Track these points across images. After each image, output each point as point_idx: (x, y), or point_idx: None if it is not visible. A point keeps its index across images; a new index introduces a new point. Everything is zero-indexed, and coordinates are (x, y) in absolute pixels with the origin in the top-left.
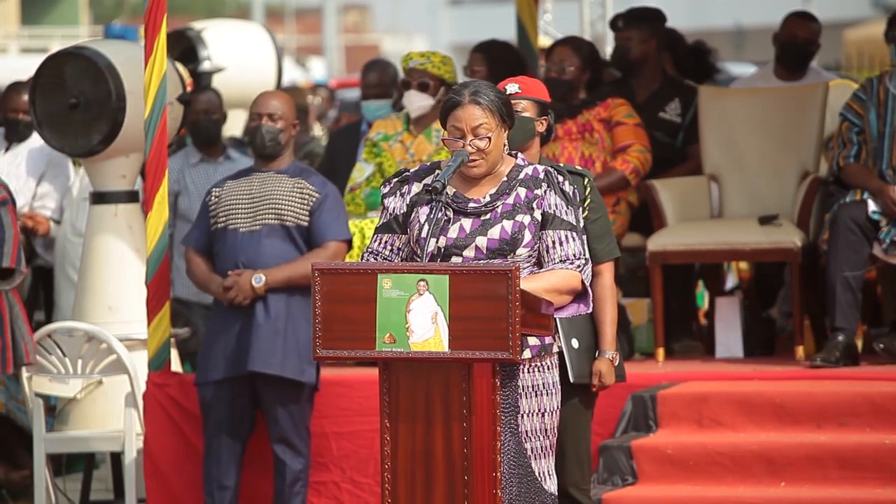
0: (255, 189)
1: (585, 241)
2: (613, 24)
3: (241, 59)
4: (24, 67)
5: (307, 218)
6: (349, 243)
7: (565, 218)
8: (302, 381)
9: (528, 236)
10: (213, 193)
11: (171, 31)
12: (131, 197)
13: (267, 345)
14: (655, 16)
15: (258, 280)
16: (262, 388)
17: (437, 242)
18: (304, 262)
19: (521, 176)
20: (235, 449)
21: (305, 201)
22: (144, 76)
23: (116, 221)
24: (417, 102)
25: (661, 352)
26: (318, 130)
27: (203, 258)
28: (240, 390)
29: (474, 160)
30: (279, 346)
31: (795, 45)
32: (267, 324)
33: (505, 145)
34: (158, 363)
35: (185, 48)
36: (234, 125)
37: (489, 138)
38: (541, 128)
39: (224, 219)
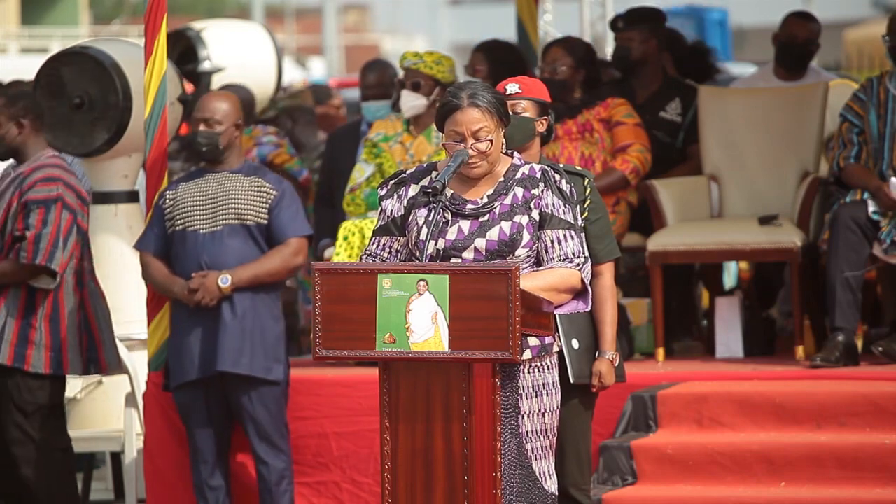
0: (211, 190)
1: (584, 240)
2: (613, 25)
3: (241, 59)
4: (24, 67)
5: (266, 216)
6: (310, 239)
7: (563, 217)
8: (271, 378)
9: (526, 237)
10: (167, 196)
11: (171, 31)
12: (131, 197)
13: (235, 344)
14: (655, 16)
15: (224, 280)
16: (233, 387)
17: (435, 245)
18: (267, 260)
19: (518, 175)
20: (221, 448)
21: (264, 199)
22: (144, 76)
23: (116, 221)
24: (409, 102)
25: (661, 352)
26: None
27: (161, 261)
28: (214, 390)
29: (475, 162)
30: (247, 345)
31: (795, 46)
32: (234, 323)
33: (502, 144)
34: (158, 363)
35: (184, 48)
36: None
37: (490, 141)
38: (541, 128)
39: (182, 221)
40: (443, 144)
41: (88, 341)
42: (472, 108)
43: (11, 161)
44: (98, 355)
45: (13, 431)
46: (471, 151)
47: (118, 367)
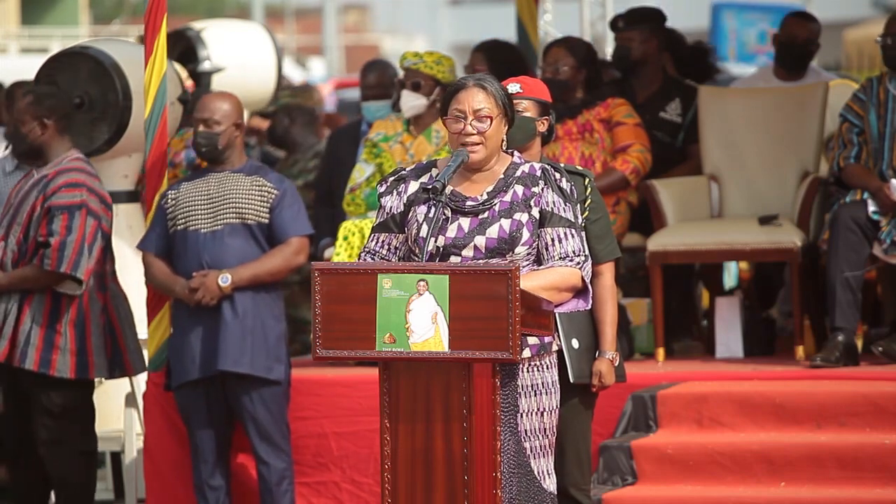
0: (212, 189)
1: (584, 238)
2: (614, 25)
3: (241, 59)
4: (24, 67)
5: (267, 215)
6: (311, 238)
7: (563, 215)
8: (272, 378)
9: (526, 235)
10: (169, 196)
11: (171, 31)
12: (131, 197)
13: (236, 344)
14: (656, 16)
15: (224, 280)
16: (234, 387)
17: (435, 242)
18: (268, 260)
19: (518, 173)
20: (221, 448)
21: (265, 199)
22: (144, 76)
23: (116, 221)
24: (409, 102)
25: (661, 352)
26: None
27: (162, 261)
28: (214, 390)
29: (473, 144)
30: (248, 344)
31: (795, 46)
32: (235, 323)
33: (503, 140)
34: (159, 363)
35: (184, 48)
36: None
37: (490, 118)
38: (542, 128)
39: (183, 221)
40: (443, 121)
41: (112, 344)
42: (478, 89)
43: (7, 152)
44: (123, 358)
45: (41, 432)
46: (469, 129)
47: (143, 368)
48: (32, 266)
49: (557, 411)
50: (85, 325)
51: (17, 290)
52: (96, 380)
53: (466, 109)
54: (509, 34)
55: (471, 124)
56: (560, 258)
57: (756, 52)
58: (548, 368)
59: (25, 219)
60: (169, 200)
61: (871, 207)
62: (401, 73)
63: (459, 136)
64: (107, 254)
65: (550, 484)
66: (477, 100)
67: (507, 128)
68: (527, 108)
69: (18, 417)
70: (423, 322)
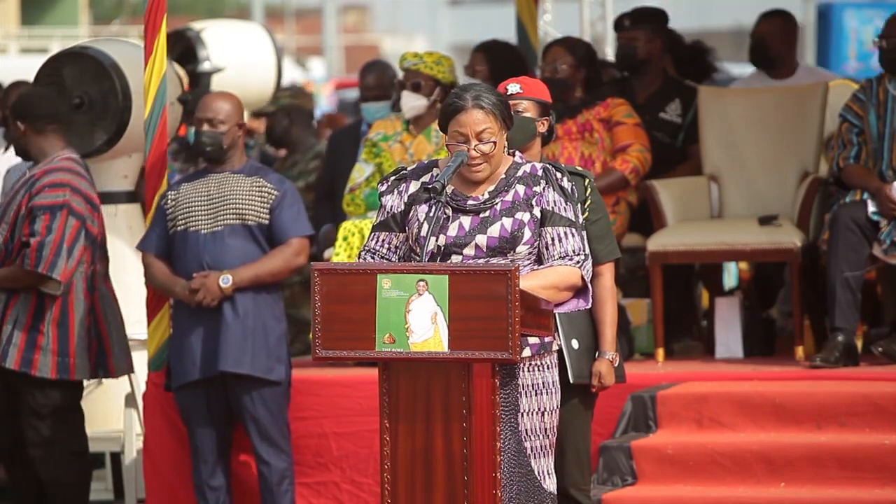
0: (212, 190)
1: (585, 237)
2: (619, 24)
3: (241, 59)
4: (24, 67)
5: (268, 216)
6: (311, 239)
7: (564, 214)
8: (272, 379)
9: (527, 234)
10: (169, 196)
11: (171, 31)
12: (131, 197)
13: (237, 344)
14: (660, 16)
15: (225, 280)
16: (234, 387)
17: (436, 241)
18: (269, 261)
19: (519, 173)
20: (221, 448)
21: (265, 200)
22: (144, 76)
23: (116, 221)
24: (410, 103)
25: (660, 352)
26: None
27: (162, 262)
28: (215, 390)
29: (478, 164)
30: (249, 345)
31: (761, 46)
32: (235, 323)
33: (504, 146)
34: (158, 363)
35: (184, 48)
36: None
37: (494, 143)
38: (542, 128)
39: (183, 221)
40: (446, 145)
41: (98, 346)
42: (477, 110)
43: (11, 155)
44: (107, 360)
45: (30, 433)
46: (474, 153)
47: (129, 371)
48: (15, 266)
49: (558, 411)
50: (68, 326)
51: (2, 289)
52: (95, 380)
53: (468, 133)
54: (509, 34)
55: (475, 149)
56: (560, 257)
57: (873, 49)
58: (548, 368)
59: (12, 218)
60: (169, 201)
61: (871, 208)
62: (400, 74)
63: None
64: (96, 254)
65: (550, 484)
66: (477, 121)
67: (506, 131)
68: (527, 109)
69: (12, 417)
70: (422, 322)
